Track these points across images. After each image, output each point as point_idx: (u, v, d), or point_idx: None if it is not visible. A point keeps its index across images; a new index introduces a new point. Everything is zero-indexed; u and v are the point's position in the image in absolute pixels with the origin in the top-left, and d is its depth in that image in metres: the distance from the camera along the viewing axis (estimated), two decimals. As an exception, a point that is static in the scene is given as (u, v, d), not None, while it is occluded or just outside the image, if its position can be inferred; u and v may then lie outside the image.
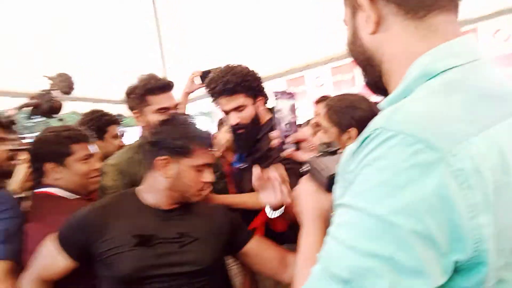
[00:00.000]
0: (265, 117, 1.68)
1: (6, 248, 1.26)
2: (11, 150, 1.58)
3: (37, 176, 1.50)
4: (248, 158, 1.72)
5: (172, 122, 1.27)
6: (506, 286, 0.53)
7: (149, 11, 3.75)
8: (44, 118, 1.72)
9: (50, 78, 1.66)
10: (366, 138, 0.53)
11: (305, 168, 0.89)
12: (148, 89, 1.67)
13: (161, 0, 3.80)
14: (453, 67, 0.55)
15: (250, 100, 1.62)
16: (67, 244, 1.20)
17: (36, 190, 1.51)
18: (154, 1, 3.79)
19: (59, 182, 1.48)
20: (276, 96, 1.05)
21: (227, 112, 1.63)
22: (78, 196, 1.51)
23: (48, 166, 1.47)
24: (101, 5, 3.30)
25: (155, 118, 1.62)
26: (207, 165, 1.27)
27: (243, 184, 1.71)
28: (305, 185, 0.88)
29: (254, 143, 1.66)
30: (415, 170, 0.48)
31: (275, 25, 3.39)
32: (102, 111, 2.08)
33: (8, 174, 1.58)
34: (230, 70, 1.58)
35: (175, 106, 1.78)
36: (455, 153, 0.47)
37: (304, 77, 3.92)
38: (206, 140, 1.27)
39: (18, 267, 1.29)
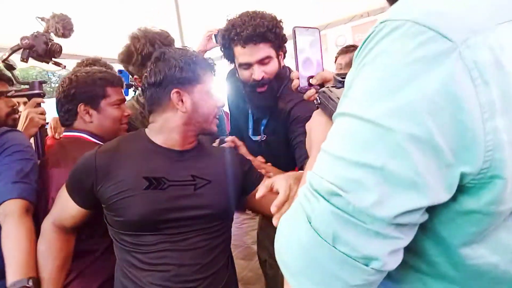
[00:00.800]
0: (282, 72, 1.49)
1: (21, 188, 1.21)
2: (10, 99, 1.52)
3: (67, 118, 1.43)
4: (267, 128, 1.57)
5: (165, 57, 1.16)
6: None
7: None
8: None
9: (43, 19, 1.47)
10: (369, 36, 0.45)
11: (317, 101, 0.79)
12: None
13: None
14: None
15: (274, 52, 1.42)
16: (73, 190, 1.14)
17: (65, 134, 1.45)
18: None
19: (90, 126, 1.42)
20: (296, 32, 0.88)
21: (248, 65, 1.41)
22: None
23: (82, 108, 1.40)
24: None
25: None
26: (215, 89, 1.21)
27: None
28: (317, 118, 0.78)
29: (275, 103, 1.48)
30: (420, 64, 0.40)
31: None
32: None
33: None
34: (258, 15, 1.39)
35: None
36: (470, 43, 0.39)
37: (326, 35, 3.77)
38: (209, 63, 1.20)
39: (36, 208, 1.26)
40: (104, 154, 1.12)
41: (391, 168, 0.40)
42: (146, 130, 1.21)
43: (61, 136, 1.51)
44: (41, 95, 1.59)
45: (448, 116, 0.39)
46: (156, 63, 1.17)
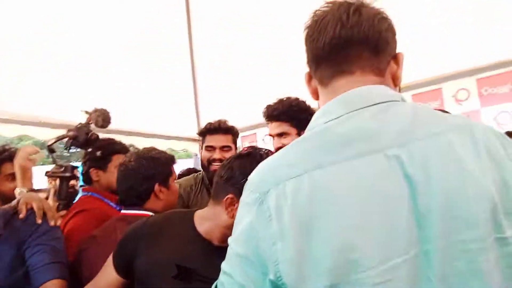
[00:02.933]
0: None
1: (59, 268, 1.31)
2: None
3: (141, 198, 1.51)
4: None
5: (250, 159, 1.18)
6: None
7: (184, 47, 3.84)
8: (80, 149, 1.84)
9: (87, 113, 1.77)
10: None
11: None
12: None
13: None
14: (327, 121, 0.67)
15: (294, 130, 1.71)
16: (117, 255, 1.19)
17: (134, 212, 1.49)
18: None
19: (160, 204, 1.52)
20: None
21: (273, 136, 1.78)
22: None
23: (157, 187, 1.50)
24: (143, 46, 3.40)
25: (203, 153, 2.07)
26: None
27: None
28: None
29: None
30: (245, 208, 0.66)
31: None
32: (111, 139, 2.04)
33: None
34: (283, 100, 1.77)
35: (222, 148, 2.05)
36: (269, 194, 0.61)
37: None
38: None
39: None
40: (153, 225, 1.18)
41: (234, 275, 0.64)
42: (196, 213, 1.23)
43: (125, 213, 1.55)
44: (74, 178, 1.79)
45: (253, 241, 0.62)
46: (240, 157, 1.18)
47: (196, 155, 4.52)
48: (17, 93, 2.96)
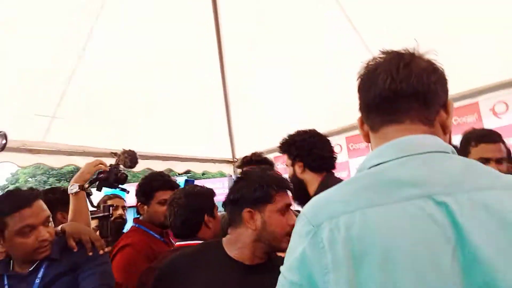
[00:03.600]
0: (312, 184, 1.85)
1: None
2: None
3: (191, 229, 1.69)
4: None
5: (245, 177, 1.32)
6: None
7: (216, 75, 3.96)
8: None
9: (116, 154, 1.96)
10: None
11: None
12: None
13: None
14: (379, 164, 0.72)
15: (289, 161, 1.91)
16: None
17: (190, 242, 1.65)
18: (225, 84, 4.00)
19: (209, 233, 1.72)
20: None
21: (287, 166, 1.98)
22: None
23: (207, 218, 1.71)
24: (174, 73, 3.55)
25: None
26: (289, 206, 1.29)
27: None
28: None
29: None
30: (298, 239, 0.71)
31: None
32: (153, 175, 2.23)
33: None
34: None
35: None
36: (323, 227, 0.66)
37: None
38: (282, 183, 1.30)
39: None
40: (184, 258, 1.28)
41: None
42: (223, 239, 1.31)
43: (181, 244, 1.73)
44: (110, 216, 1.92)
45: (306, 270, 0.66)
46: (237, 182, 1.32)
47: (231, 176, 4.61)
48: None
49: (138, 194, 2.13)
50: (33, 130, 3.08)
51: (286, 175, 1.79)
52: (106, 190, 1.96)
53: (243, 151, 4.46)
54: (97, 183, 1.85)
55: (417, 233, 0.61)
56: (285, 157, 1.99)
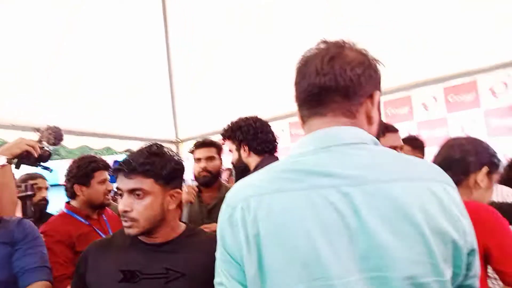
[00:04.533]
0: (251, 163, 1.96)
1: (46, 272, 1.44)
2: None
3: None
4: None
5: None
6: None
7: (162, 47, 3.84)
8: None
9: (38, 131, 1.80)
10: None
11: None
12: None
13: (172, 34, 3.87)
14: (299, 154, 0.77)
15: (234, 146, 2.00)
16: (74, 278, 1.29)
17: None
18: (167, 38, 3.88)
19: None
20: None
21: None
22: None
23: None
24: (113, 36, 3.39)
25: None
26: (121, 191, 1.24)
27: None
28: None
29: None
30: (221, 219, 0.78)
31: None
32: (90, 157, 2.16)
33: None
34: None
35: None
36: (238, 208, 0.74)
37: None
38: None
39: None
40: (97, 244, 1.31)
41: (223, 280, 0.76)
42: None
43: None
44: (33, 195, 1.92)
45: (227, 246, 0.75)
46: (152, 156, 1.27)
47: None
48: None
49: (75, 176, 2.06)
50: None
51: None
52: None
53: (186, 133, 4.41)
54: (15, 160, 1.68)
55: (316, 219, 0.68)
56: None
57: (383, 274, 0.65)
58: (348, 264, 0.66)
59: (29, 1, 2.73)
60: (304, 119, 0.84)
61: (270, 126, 2.03)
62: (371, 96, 0.80)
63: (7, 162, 1.59)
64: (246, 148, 1.95)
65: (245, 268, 0.71)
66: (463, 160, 1.39)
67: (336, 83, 0.77)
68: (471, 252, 0.71)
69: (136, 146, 4.14)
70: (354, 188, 0.68)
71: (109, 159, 3.02)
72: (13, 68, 2.90)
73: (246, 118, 2.01)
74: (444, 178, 0.73)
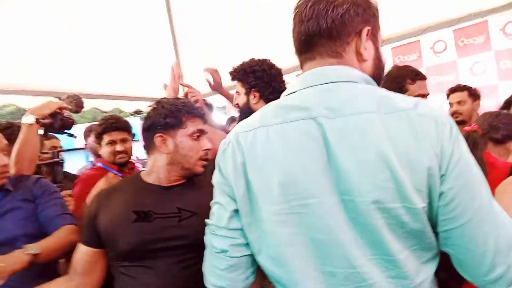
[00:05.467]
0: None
1: (69, 217, 1.56)
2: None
3: None
4: None
5: (158, 105, 1.34)
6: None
7: (163, 15, 3.76)
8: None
9: (60, 99, 1.86)
10: None
11: None
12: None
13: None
14: (289, 94, 0.85)
15: (243, 90, 1.81)
16: (83, 229, 1.31)
17: None
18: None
19: None
20: None
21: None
22: None
23: None
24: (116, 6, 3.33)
25: None
26: (202, 132, 1.34)
27: None
28: None
29: None
30: (217, 154, 0.89)
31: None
32: (103, 119, 2.22)
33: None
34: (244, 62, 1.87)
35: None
36: (231, 142, 0.85)
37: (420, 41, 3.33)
38: (194, 110, 1.33)
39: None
40: (105, 192, 1.33)
41: (218, 199, 0.87)
42: (142, 171, 1.38)
43: None
44: (61, 162, 1.94)
45: (219, 174, 0.87)
46: (149, 111, 1.34)
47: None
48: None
49: (93, 136, 2.19)
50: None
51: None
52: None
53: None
54: (42, 129, 1.76)
55: (293, 146, 0.76)
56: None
57: (351, 198, 0.70)
58: (322, 186, 0.73)
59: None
60: (301, 65, 0.89)
61: (282, 75, 1.85)
62: (359, 33, 0.80)
63: (35, 121, 1.65)
64: (257, 94, 1.79)
65: (235, 190, 0.82)
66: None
67: (318, 27, 0.79)
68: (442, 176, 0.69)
69: (145, 106, 4.24)
70: (328, 120, 0.74)
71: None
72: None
73: (260, 61, 1.82)
74: (420, 109, 0.71)
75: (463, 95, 2.42)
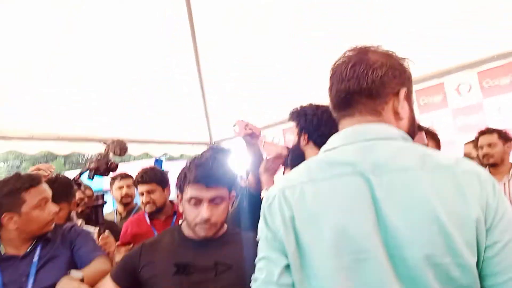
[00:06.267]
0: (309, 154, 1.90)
1: (101, 250, 1.70)
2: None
3: None
4: None
5: (187, 163, 1.40)
6: None
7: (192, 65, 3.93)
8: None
9: (105, 143, 2.03)
10: None
11: None
12: None
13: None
14: (330, 149, 0.88)
15: (296, 130, 1.91)
16: (118, 271, 1.40)
17: None
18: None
19: None
20: None
21: None
22: None
23: None
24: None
25: None
26: (199, 201, 1.32)
27: None
28: None
29: None
30: (263, 208, 0.90)
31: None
32: None
33: None
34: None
35: None
36: (276, 197, 0.86)
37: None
38: (195, 177, 1.31)
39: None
40: (147, 244, 1.40)
41: (266, 254, 0.86)
42: (182, 223, 1.44)
43: None
44: (103, 204, 2.03)
45: (269, 228, 0.86)
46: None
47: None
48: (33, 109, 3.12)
49: None
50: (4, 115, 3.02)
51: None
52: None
53: (220, 134, 4.53)
54: (88, 172, 1.92)
55: (343, 199, 0.78)
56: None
57: (401, 254, 0.72)
58: (373, 241, 0.74)
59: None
60: (338, 121, 0.93)
61: (335, 121, 1.90)
62: (397, 94, 0.86)
63: None
64: (306, 137, 1.87)
65: (286, 246, 0.82)
66: None
67: (359, 86, 0.84)
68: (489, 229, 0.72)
69: (172, 149, 4.36)
70: (374, 176, 0.76)
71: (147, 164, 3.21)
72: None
73: (316, 106, 1.90)
74: (463, 165, 0.76)
75: (493, 137, 2.39)
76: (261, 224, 0.90)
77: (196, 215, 1.30)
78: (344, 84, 0.86)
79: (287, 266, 0.82)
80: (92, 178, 1.93)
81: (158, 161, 2.77)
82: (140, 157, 4.90)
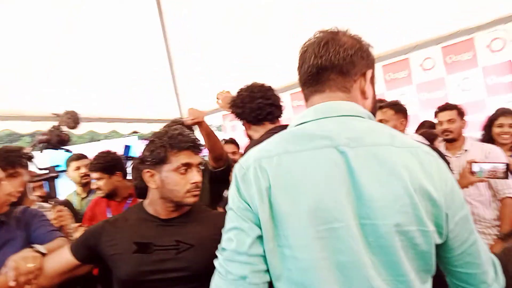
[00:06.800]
0: (254, 135, 1.88)
1: (58, 233, 1.65)
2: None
3: None
4: None
5: (151, 138, 1.38)
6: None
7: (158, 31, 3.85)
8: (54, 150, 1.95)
9: (57, 115, 1.92)
10: None
11: None
12: None
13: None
14: (301, 123, 0.89)
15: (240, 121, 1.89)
16: (78, 245, 1.36)
17: None
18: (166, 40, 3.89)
19: None
20: None
21: None
22: None
23: None
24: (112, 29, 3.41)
25: None
26: (189, 166, 1.33)
27: None
28: None
29: None
30: (234, 178, 0.90)
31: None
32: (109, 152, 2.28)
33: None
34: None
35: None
36: (251, 168, 0.86)
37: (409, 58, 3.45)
38: (180, 143, 1.32)
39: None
40: (112, 221, 1.38)
41: (238, 224, 0.85)
42: (145, 201, 1.41)
43: None
44: (57, 177, 1.94)
45: (242, 198, 0.86)
46: (146, 144, 1.38)
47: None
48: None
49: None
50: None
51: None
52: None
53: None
54: (40, 145, 1.81)
55: (320, 172, 0.80)
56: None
57: (372, 222, 0.76)
58: (346, 211, 0.77)
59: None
60: (306, 97, 0.95)
61: (263, 92, 1.80)
62: (364, 74, 0.91)
63: None
64: (244, 121, 1.84)
65: (259, 215, 0.82)
66: None
67: (331, 63, 0.88)
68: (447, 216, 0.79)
69: (142, 127, 4.30)
70: (349, 149, 0.80)
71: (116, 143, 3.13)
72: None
73: (240, 89, 1.85)
74: (423, 147, 0.83)
75: (453, 113, 2.47)
76: (232, 194, 0.90)
77: (187, 182, 1.30)
78: (317, 60, 0.89)
79: (259, 237, 0.83)
80: (42, 151, 1.86)
81: (127, 147, 2.71)
82: (110, 136, 4.81)
